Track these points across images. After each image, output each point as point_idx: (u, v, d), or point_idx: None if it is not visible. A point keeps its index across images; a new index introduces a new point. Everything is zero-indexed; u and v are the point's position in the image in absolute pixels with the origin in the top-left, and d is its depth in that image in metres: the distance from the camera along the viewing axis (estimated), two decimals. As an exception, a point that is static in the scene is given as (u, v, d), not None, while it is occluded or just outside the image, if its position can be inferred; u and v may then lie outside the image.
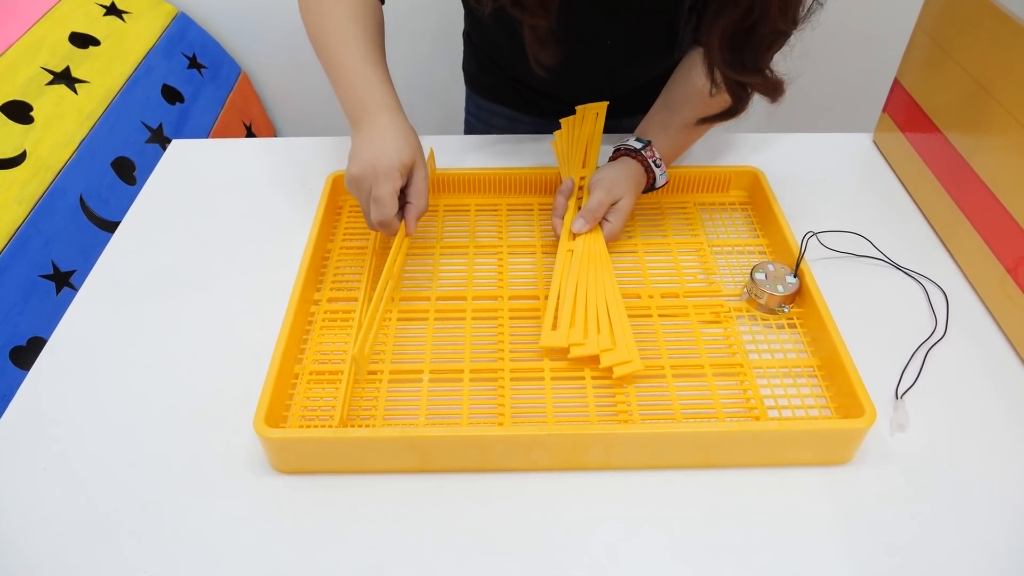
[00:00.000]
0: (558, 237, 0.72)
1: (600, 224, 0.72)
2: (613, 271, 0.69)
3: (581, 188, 0.75)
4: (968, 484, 0.56)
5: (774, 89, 0.63)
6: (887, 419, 0.60)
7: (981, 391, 0.63)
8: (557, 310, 0.65)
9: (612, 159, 0.76)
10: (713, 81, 0.63)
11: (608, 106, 0.82)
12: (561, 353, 0.63)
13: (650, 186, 0.75)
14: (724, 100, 0.66)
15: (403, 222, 0.66)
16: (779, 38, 0.59)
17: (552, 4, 0.62)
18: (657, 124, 0.77)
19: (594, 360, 0.62)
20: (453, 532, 0.53)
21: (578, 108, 0.81)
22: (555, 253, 0.73)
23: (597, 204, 0.70)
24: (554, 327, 0.64)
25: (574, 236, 0.71)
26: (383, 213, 0.63)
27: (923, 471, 0.57)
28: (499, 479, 0.56)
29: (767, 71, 0.61)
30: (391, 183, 0.62)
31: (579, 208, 0.72)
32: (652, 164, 0.74)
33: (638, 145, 0.74)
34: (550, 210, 0.76)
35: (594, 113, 0.80)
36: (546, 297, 0.69)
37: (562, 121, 0.81)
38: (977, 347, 0.66)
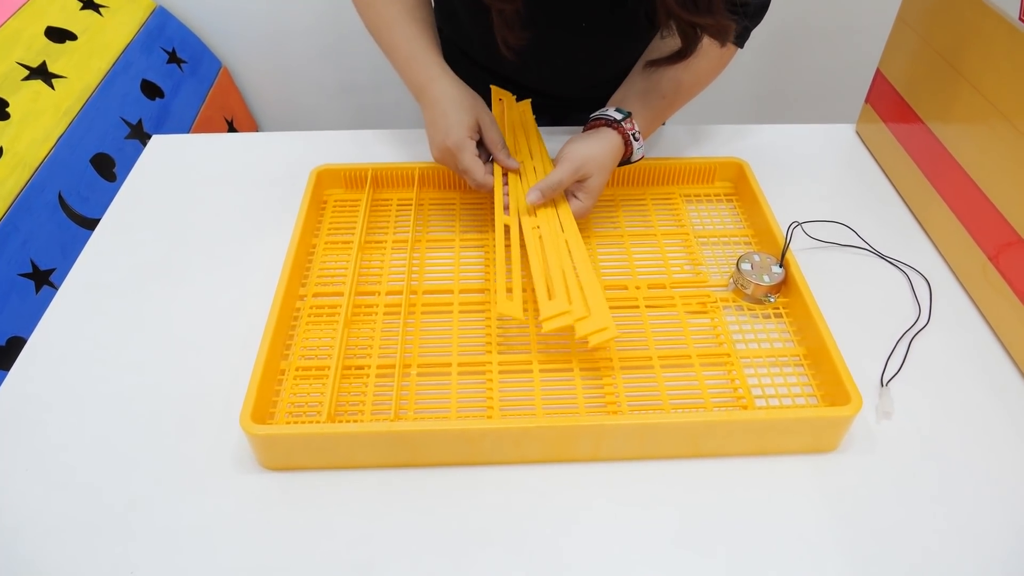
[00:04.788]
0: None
1: (567, 200, 0.70)
2: (582, 239, 0.67)
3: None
4: (953, 469, 0.57)
5: (724, 31, 0.63)
6: (873, 407, 0.61)
7: (964, 378, 0.63)
8: (539, 286, 0.64)
9: (588, 128, 0.73)
10: (665, 24, 0.64)
11: (582, 95, 0.81)
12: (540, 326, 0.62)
13: (625, 160, 0.74)
14: (675, 43, 0.67)
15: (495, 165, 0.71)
16: None
17: None
18: (637, 92, 0.75)
19: (568, 331, 0.61)
20: (443, 525, 0.53)
21: (494, 90, 0.82)
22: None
23: (557, 183, 0.68)
24: (509, 295, 0.63)
25: (532, 211, 0.69)
26: (476, 180, 0.69)
27: (909, 457, 0.57)
28: (488, 472, 0.56)
29: (718, 12, 0.61)
30: (467, 153, 0.68)
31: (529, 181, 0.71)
32: (632, 137, 0.72)
33: (618, 116, 0.72)
34: None
35: (521, 104, 0.81)
36: (516, 278, 0.68)
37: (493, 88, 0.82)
38: (960, 334, 0.67)
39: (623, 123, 0.71)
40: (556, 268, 0.64)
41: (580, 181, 0.69)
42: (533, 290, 0.64)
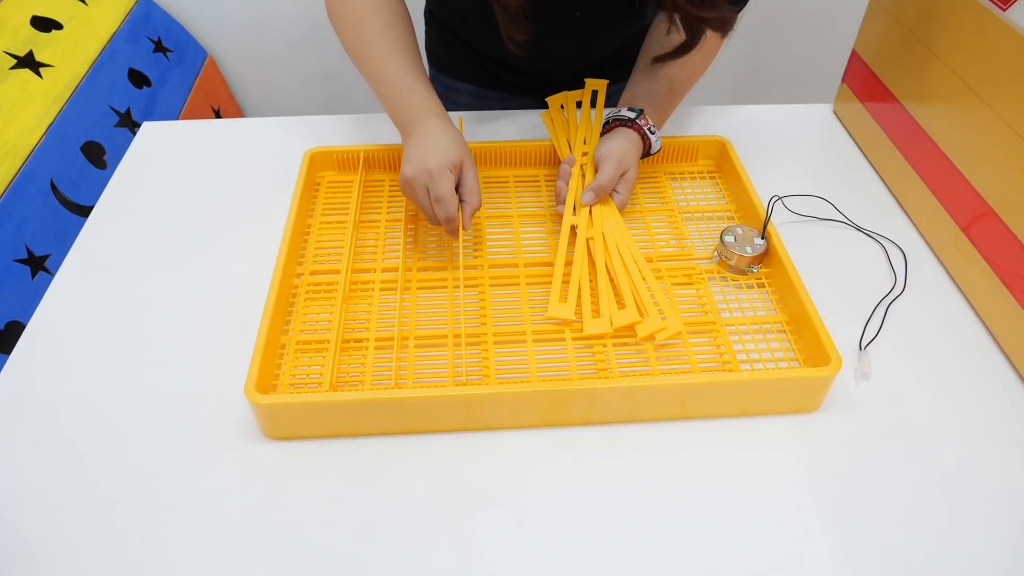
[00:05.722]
0: (562, 201, 0.73)
1: (610, 195, 0.74)
2: (635, 242, 0.71)
3: (583, 166, 0.76)
4: (928, 426, 0.60)
5: (726, 23, 0.67)
6: (852, 370, 0.64)
7: (938, 341, 0.66)
8: (580, 288, 0.67)
9: (606, 131, 0.77)
10: (670, 19, 0.66)
11: (574, 76, 0.84)
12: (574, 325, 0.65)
13: (645, 152, 0.77)
14: (679, 38, 0.70)
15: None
16: None
17: None
18: (643, 92, 0.79)
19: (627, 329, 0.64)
20: (443, 488, 0.55)
21: (587, 81, 0.83)
22: (535, 225, 0.76)
23: (608, 180, 0.71)
24: (563, 299, 0.66)
25: (576, 209, 0.72)
26: (447, 210, 0.66)
27: (887, 416, 0.60)
28: (486, 437, 0.59)
29: (721, 5, 0.64)
30: (446, 181, 0.65)
31: (584, 179, 0.74)
32: (647, 131, 0.75)
33: (632, 115, 0.75)
34: (515, 184, 0.76)
35: (592, 90, 0.83)
36: (526, 265, 0.71)
37: (549, 100, 0.83)
38: (934, 301, 0.70)
39: (638, 120, 0.75)
40: (622, 277, 0.67)
41: (620, 175, 0.73)
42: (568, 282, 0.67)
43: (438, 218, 0.67)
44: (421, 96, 0.71)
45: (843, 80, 0.92)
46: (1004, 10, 0.64)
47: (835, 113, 0.95)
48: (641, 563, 0.51)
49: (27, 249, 1.01)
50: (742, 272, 0.70)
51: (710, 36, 0.69)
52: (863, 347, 0.65)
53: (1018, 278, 0.63)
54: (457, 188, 0.68)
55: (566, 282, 0.68)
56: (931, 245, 0.75)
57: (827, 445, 0.58)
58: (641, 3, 0.81)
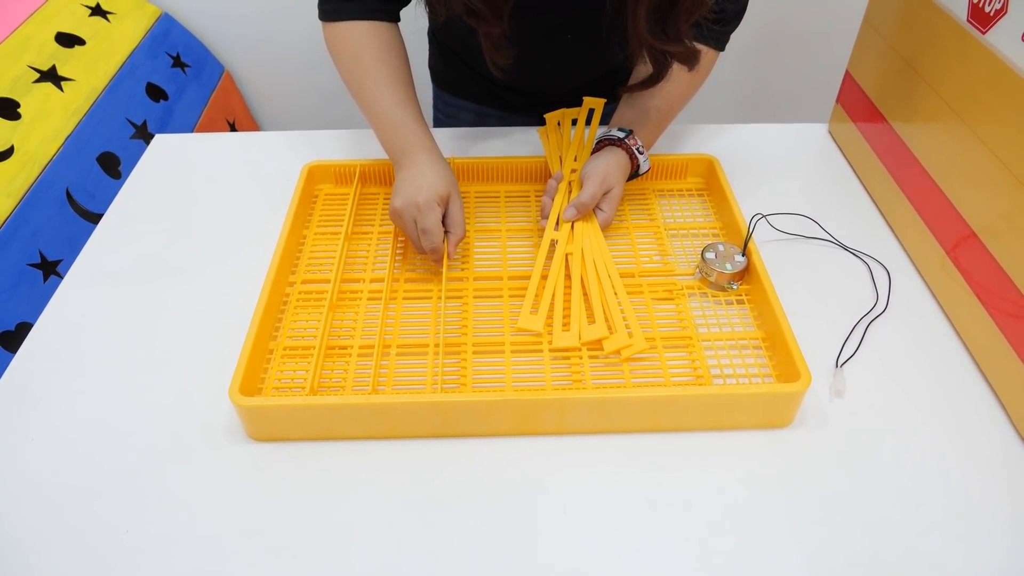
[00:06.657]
0: (546, 216, 0.75)
1: (594, 212, 0.75)
2: (612, 259, 0.72)
3: (571, 183, 0.78)
4: (901, 443, 0.60)
5: (691, 57, 0.68)
6: (827, 386, 0.64)
7: (916, 359, 0.67)
8: (553, 302, 0.68)
9: (596, 150, 0.78)
10: (636, 52, 0.67)
11: (572, 95, 0.85)
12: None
13: (634, 173, 0.79)
14: (647, 69, 0.71)
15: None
16: (698, 8, 0.63)
17: (504, 11, 0.65)
18: (630, 117, 0.80)
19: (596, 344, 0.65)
20: (418, 491, 0.57)
21: (585, 99, 0.85)
22: (522, 239, 0.78)
23: (590, 197, 0.73)
24: (534, 311, 0.67)
25: (558, 224, 0.74)
26: (433, 242, 0.69)
27: (859, 433, 0.61)
28: (461, 444, 0.60)
29: (686, 40, 0.65)
30: (433, 214, 0.69)
31: (570, 196, 0.76)
32: (636, 151, 0.77)
33: (621, 134, 0.77)
34: (505, 199, 0.78)
35: (589, 108, 0.85)
36: (511, 278, 0.73)
37: (547, 116, 0.85)
38: (916, 321, 0.70)
39: (626, 140, 0.77)
40: (595, 292, 0.68)
41: (604, 193, 0.74)
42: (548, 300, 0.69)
43: (424, 248, 0.70)
44: (412, 129, 0.73)
45: (837, 100, 0.93)
46: (984, 33, 0.64)
47: (830, 133, 0.96)
48: (609, 570, 0.52)
49: (41, 254, 1.05)
50: (722, 288, 0.71)
51: (686, 70, 0.71)
52: (839, 364, 0.66)
53: (997, 298, 0.63)
54: (443, 218, 0.70)
55: (544, 295, 0.69)
56: (917, 266, 0.75)
57: (797, 460, 0.59)
58: (621, 45, 0.83)
